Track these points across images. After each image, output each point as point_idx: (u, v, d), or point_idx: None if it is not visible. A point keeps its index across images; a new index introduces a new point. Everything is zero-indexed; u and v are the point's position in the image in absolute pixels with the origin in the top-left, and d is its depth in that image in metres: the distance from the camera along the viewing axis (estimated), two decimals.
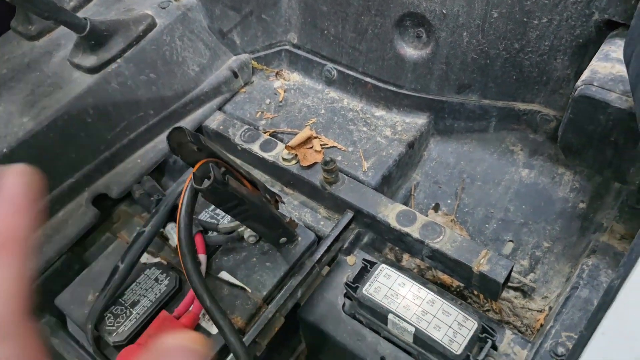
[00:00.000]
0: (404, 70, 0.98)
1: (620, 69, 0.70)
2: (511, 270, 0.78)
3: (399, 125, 1.00)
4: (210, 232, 0.91)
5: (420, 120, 1.00)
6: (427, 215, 1.01)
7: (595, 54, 0.80)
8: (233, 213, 0.76)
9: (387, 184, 0.96)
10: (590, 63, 0.73)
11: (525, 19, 0.82)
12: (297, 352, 1.03)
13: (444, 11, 0.88)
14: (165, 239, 0.93)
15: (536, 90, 0.90)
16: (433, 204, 1.01)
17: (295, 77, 1.12)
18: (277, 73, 1.13)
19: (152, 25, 1.01)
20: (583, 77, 0.71)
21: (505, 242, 0.95)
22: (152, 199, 0.98)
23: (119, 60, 0.98)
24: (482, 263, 0.79)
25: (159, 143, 1.03)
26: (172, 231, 0.92)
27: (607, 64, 0.71)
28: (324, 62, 1.08)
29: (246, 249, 0.91)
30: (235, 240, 0.91)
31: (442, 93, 0.97)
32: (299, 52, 1.10)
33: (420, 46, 0.95)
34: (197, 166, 0.69)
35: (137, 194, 1.00)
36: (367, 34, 0.99)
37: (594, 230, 0.89)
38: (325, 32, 1.04)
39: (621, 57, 0.73)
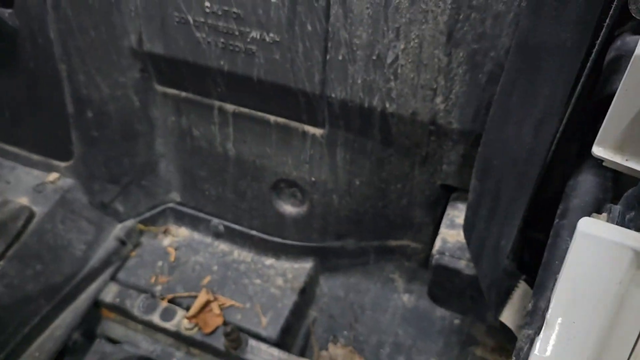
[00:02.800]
0: (286, 225, 1.07)
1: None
2: None
3: (289, 272, 1.08)
4: None
5: (307, 265, 1.09)
6: (327, 349, 1.10)
7: (443, 205, 0.94)
8: None
9: (287, 332, 1.03)
10: (440, 230, 0.85)
11: (383, 186, 0.94)
12: None
13: (313, 179, 0.98)
14: None
15: (403, 231, 1.02)
16: (332, 337, 1.09)
17: (183, 232, 1.17)
18: (165, 230, 1.17)
19: (30, 216, 1.01)
20: (436, 246, 0.83)
21: None
22: None
23: (1, 262, 0.96)
24: None
25: (55, 330, 1.02)
26: None
27: (454, 232, 0.84)
28: (209, 217, 1.13)
29: None
30: None
31: (324, 241, 1.06)
32: (184, 209, 1.15)
33: (297, 204, 1.04)
34: None
35: None
36: (247, 195, 1.06)
37: (470, 344, 1.03)
38: (207, 192, 1.10)
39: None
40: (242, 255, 1.12)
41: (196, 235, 1.16)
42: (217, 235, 1.14)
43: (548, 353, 0.41)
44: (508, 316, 0.77)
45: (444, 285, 0.85)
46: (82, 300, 1.06)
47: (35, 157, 1.10)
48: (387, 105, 0.82)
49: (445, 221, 0.87)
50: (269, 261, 1.11)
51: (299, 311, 1.06)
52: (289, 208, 1.05)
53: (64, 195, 1.06)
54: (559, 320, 0.42)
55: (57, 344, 1.01)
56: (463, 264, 0.81)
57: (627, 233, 0.41)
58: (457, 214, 0.87)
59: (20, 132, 1.10)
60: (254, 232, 1.10)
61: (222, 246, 1.14)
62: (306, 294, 1.08)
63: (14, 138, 1.11)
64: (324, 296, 1.12)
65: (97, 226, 1.09)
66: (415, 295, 1.09)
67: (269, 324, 1.02)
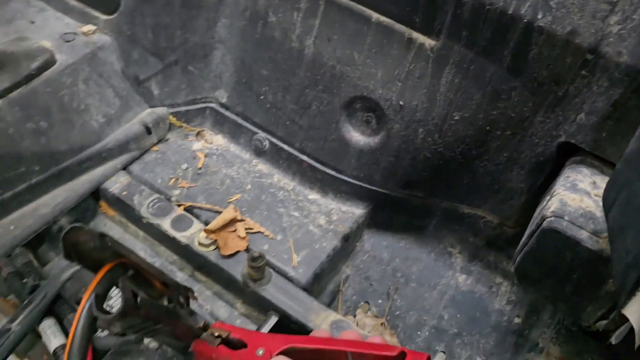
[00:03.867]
0: (347, 155, 0.88)
1: (589, 204, 0.66)
2: None
3: (334, 213, 0.90)
4: (99, 331, 0.73)
5: (358, 210, 0.91)
6: (355, 315, 0.91)
7: (551, 172, 0.76)
8: (141, 333, 0.60)
9: (318, 282, 0.85)
10: (556, 190, 0.68)
11: (488, 128, 0.76)
12: None
13: (401, 103, 0.80)
14: (38, 335, 0.74)
15: (485, 197, 0.84)
16: (362, 303, 0.91)
17: (219, 140, 0.98)
18: (198, 133, 0.98)
19: (49, 62, 0.82)
20: (552, 207, 0.65)
21: (437, 352, 0.87)
22: (24, 281, 0.77)
23: (0, 102, 0.77)
24: None
25: (41, 207, 0.83)
26: (48, 330, 0.72)
27: (576, 196, 0.66)
28: (255, 129, 0.95)
29: (144, 354, 0.74)
30: (130, 343, 0.74)
31: (386, 186, 0.88)
32: (227, 113, 0.96)
33: (369, 132, 0.86)
34: (98, 277, 0.53)
35: (5, 273, 0.79)
36: (311, 109, 0.88)
37: (529, 349, 0.85)
38: (262, 97, 0.92)
39: (589, 189, 0.69)
40: (282, 181, 0.94)
41: (233, 147, 0.97)
42: (259, 152, 0.95)
43: None
44: (635, 311, 0.59)
45: (546, 259, 0.67)
46: (82, 182, 0.87)
47: (72, 1, 0.91)
48: (540, 15, 0.64)
49: (563, 183, 0.69)
50: (313, 195, 0.92)
51: (336, 260, 0.87)
52: (357, 136, 0.87)
53: (96, 52, 0.87)
54: None
55: (38, 223, 0.82)
56: (585, 235, 0.63)
57: None
58: (580, 178, 0.69)
59: None
60: (304, 157, 0.91)
61: (262, 166, 0.95)
62: (349, 243, 0.89)
63: None
64: (364, 254, 0.94)
65: (124, 102, 0.90)
66: (473, 278, 0.91)
67: (300, 264, 0.83)
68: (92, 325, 0.53)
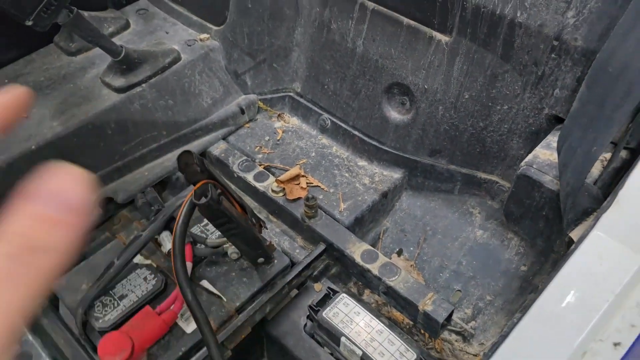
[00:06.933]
0: (387, 130, 1.13)
1: (556, 157, 0.85)
2: (451, 314, 0.91)
3: (377, 176, 1.15)
4: (199, 245, 1.03)
5: (395, 175, 1.15)
6: (390, 258, 1.14)
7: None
8: (221, 229, 0.89)
9: (359, 225, 1.09)
10: (535, 149, 0.88)
11: (490, 104, 0.97)
12: None
13: (426, 86, 1.03)
14: (159, 245, 1.06)
15: (495, 164, 1.05)
16: (397, 249, 1.14)
17: (294, 121, 1.27)
18: (279, 115, 1.28)
19: (177, 59, 1.17)
20: (526, 159, 0.85)
21: (454, 291, 1.07)
22: (152, 208, 1.11)
23: (143, 85, 1.12)
24: (427, 303, 0.92)
25: (166, 161, 1.17)
26: (165, 239, 1.04)
27: (547, 152, 0.86)
28: (320, 111, 1.23)
29: (228, 263, 1.03)
30: (219, 255, 1.04)
31: (417, 154, 1.12)
32: (301, 100, 1.26)
33: (403, 112, 1.11)
34: (197, 185, 0.83)
35: (140, 202, 1.13)
36: (360, 95, 1.14)
37: (530, 291, 1.02)
38: (325, 86, 1.20)
39: None
40: (339, 151, 1.20)
41: (304, 126, 1.26)
42: (323, 129, 1.23)
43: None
44: (578, 234, 0.77)
45: (522, 201, 0.87)
46: (194, 146, 1.20)
47: (194, 17, 1.27)
48: (519, 14, 0.86)
49: (542, 143, 0.88)
50: (362, 162, 1.18)
51: (375, 211, 1.12)
52: (394, 114, 1.12)
53: (208, 52, 1.21)
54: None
55: (163, 172, 1.16)
56: (547, 179, 0.83)
57: None
58: (555, 139, 0.89)
59: None
60: (356, 132, 1.18)
61: (324, 140, 1.23)
62: (387, 199, 1.13)
63: None
64: (402, 211, 1.17)
65: (226, 89, 1.23)
66: (489, 233, 1.10)
67: (345, 210, 1.09)
68: (191, 210, 0.82)
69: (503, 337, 0.60)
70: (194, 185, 0.83)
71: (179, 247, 0.85)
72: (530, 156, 0.86)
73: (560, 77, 0.86)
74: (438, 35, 0.99)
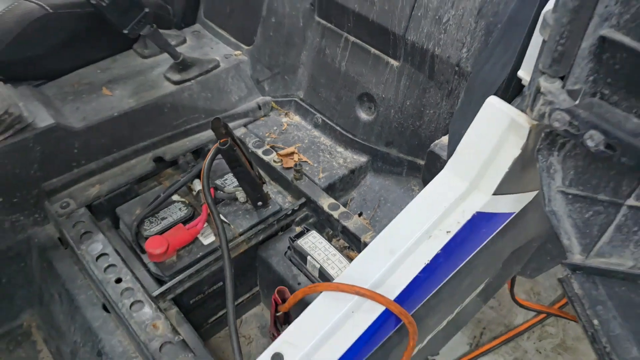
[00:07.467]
0: (358, 127, 1.60)
1: None
2: None
3: (349, 159, 1.61)
4: (219, 191, 1.50)
5: (362, 159, 1.61)
6: (353, 218, 1.58)
7: None
8: (234, 172, 1.36)
9: (331, 190, 1.55)
10: (442, 137, 1.32)
11: (422, 109, 1.43)
12: (253, 291, 1.59)
13: (383, 96, 1.50)
14: (190, 189, 1.53)
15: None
16: (359, 212, 1.58)
17: (296, 119, 1.75)
18: (285, 113, 1.76)
19: (217, 66, 1.67)
20: (434, 142, 1.30)
21: None
22: (189, 165, 1.59)
23: (192, 81, 1.63)
24: (367, 237, 1.36)
25: (202, 136, 1.66)
26: (196, 184, 1.52)
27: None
28: (315, 112, 1.71)
29: (237, 205, 1.49)
30: (231, 199, 1.51)
31: (377, 144, 1.57)
32: (302, 103, 1.74)
33: (369, 113, 1.57)
34: (222, 140, 1.30)
35: (181, 161, 1.62)
36: (342, 100, 1.62)
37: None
38: (320, 94, 1.68)
39: None
40: (325, 141, 1.67)
41: (303, 123, 1.74)
42: (316, 125, 1.71)
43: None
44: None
45: (430, 170, 1.32)
46: None
47: (232, 39, 1.78)
48: (437, 49, 1.33)
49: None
50: (340, 149, 1.64)
51: (345, 182, 1.57)
52: (363, 115, 1.59)
53: (239, 64, 1.71)
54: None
55: (199, 143, 1.65)
56: (444, 154, 1.27)
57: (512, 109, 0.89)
58: None
59: (230, 21, 1.79)
60: (337, 128, 1.64)
61: (316, 132, 1.70)
62: (354, 175, 1.59)
63: (224, 24, 1.81)
64: (365, 186, 1.62)
65: (249, 90, 1.73)
66: None
67: (323, 177, 1.55)
68: (217, 152, 1.29)
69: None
70: (220, 140, 1.31)
71: (206, 180, 1.32)
72: (437, 141, 1.31)
73: (461, 90, 1.32)
74: (392, 61, 1.46)
